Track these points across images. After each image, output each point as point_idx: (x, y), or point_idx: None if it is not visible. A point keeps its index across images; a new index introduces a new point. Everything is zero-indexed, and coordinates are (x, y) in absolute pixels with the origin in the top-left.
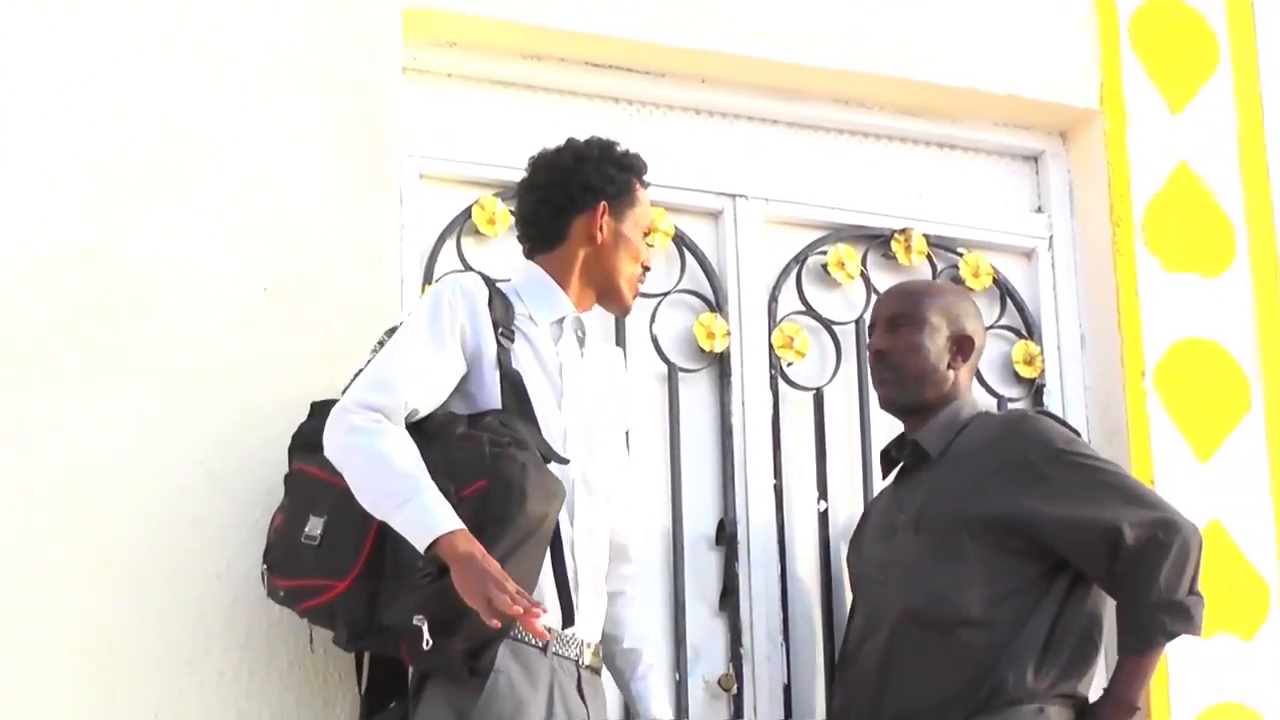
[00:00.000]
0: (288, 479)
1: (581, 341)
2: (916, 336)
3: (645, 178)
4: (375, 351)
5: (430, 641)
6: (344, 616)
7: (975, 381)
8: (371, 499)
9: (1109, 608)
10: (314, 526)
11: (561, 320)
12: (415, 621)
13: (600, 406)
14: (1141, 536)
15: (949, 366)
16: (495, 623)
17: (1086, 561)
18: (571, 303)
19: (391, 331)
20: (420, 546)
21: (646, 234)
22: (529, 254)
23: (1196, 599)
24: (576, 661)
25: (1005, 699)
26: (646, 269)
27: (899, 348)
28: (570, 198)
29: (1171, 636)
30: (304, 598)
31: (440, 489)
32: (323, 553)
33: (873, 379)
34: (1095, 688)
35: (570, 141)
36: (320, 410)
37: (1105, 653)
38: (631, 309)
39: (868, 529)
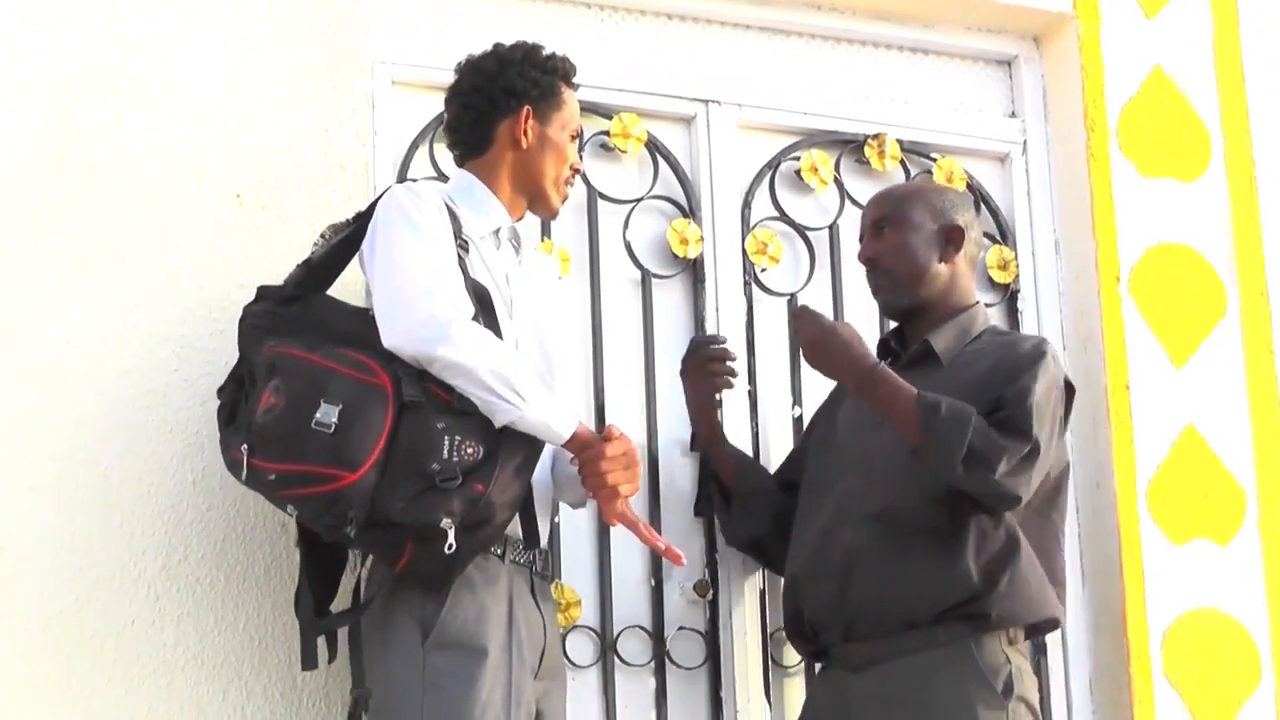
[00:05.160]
0: (271, 361)
1: (517, 249)
2: (901, 236)
3: (574, 79)
4: (317, 247)
5: (454, 545)
6: (354, 508)
7: None
8: (494, 398)
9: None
10: (327, 413)
11: (498, 231)
12: (443, 524)
13: (543, 313)
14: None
15: (941, 260)
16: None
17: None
18: (505, 210)
19: (336, 228)
20: (559, 440)
21: (575, 136)
22: (459, 161)
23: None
24: (530, 568)
25: (979, 613)
26: (576, 171)
27: (885, 251)
28: (493, 102)
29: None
30: (303, 484)
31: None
32: (336, 441)
33: (870, 289)
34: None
35: (496, 46)
36: (268, 294)
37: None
38: (559, 211)
39: (843, 414)
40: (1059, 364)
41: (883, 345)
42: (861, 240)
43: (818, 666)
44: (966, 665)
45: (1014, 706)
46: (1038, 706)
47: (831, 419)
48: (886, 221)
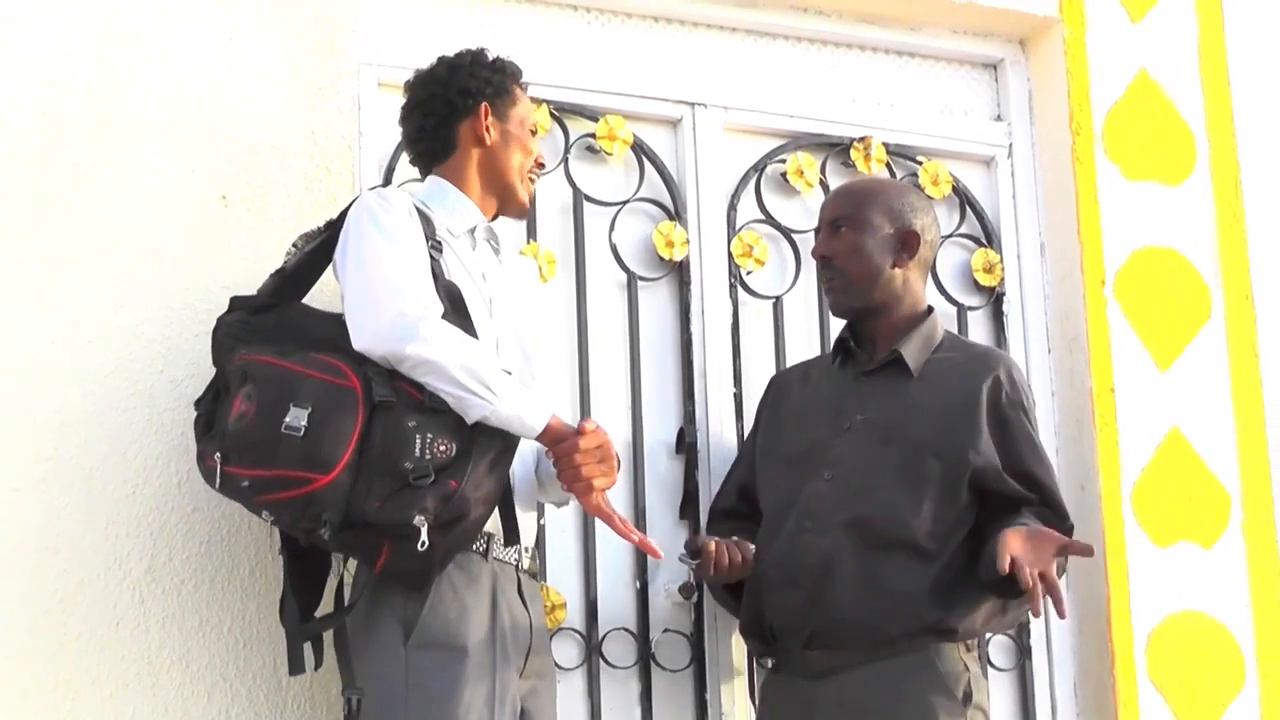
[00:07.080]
0: (243, 368)
1: (496, 250)
2: (857, 238)
3: (522, 80)
4: (290, 256)
5: (426, 543)
6: (329, 510)
7: (936, 290)
8: (465, 393)
9: None
10: (297, 417)
11: (474, 230)
12: (416, 522)
13: (523, 314)
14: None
15: (895, 265)
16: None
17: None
18: (478, 209)
19: (308, 236)
20: (532, 433)
21: (533, 133)
22: (425, 171)
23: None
24: (516, 566)
25: (945, 628)
26: (540, 164)
27: (840, 251)
28: (451, 106)
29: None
30: (276, 489)
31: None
32: (307, 444)
33: (820, 285)
34: None
35: (441, 56)
36: (240, 304)
37: None
38: (528, 206)
39: (795, 405)
40: (1030, 393)
41: (841, 344)
42: (817, 235)
43: (758, 668)
44: (929, 673)
45: (972, 714)
46: (989, 710)
47: (776, 418)
48: (844, 220)
